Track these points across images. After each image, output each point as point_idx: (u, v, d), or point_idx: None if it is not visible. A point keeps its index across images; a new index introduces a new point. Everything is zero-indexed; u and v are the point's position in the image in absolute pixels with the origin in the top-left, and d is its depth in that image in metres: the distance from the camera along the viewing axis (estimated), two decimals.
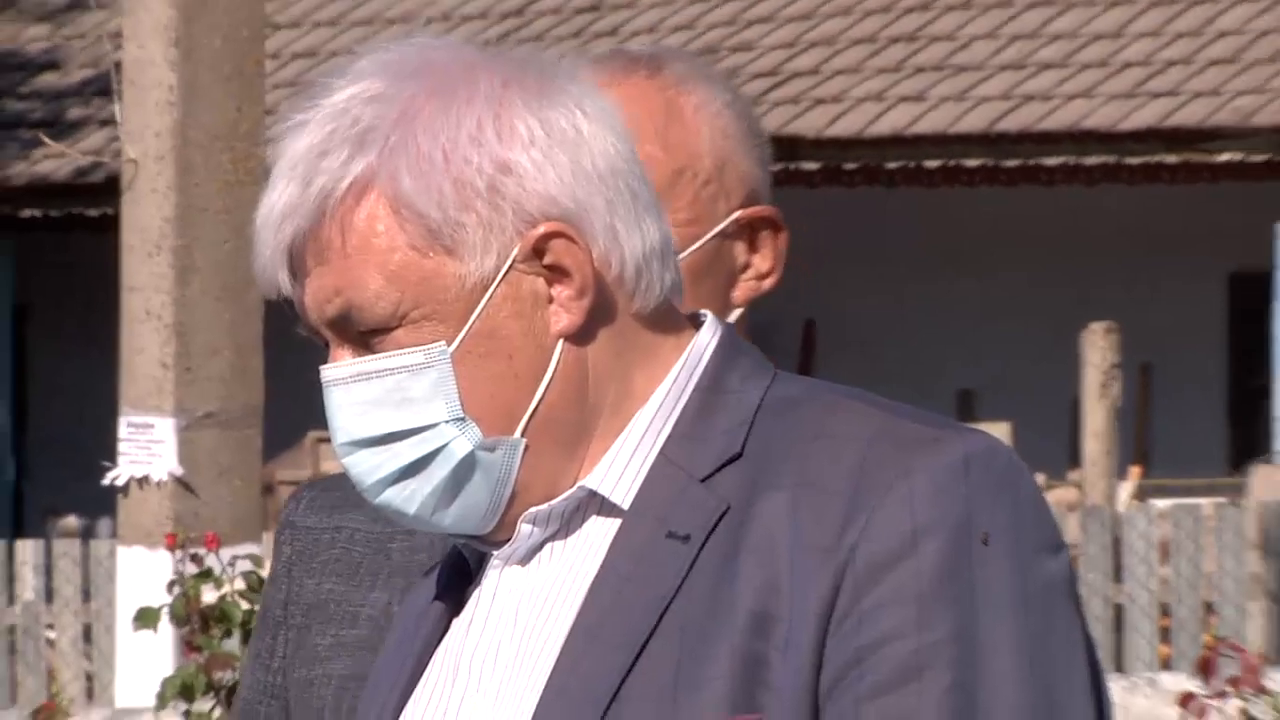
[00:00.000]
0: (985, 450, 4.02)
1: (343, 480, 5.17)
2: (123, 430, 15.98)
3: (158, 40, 15.70)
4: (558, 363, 4.05)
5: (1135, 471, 25.44)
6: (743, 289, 5.27)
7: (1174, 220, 28.40)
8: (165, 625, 15.85)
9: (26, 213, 28.35)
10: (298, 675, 5.11)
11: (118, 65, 14.97)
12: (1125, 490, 24.53)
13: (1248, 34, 28.29)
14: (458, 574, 4.23)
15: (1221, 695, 9.81)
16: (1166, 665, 21.26)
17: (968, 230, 29.00)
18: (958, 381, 26.88)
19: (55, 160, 26.41)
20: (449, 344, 4.03)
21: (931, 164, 28.29)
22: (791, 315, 28.15)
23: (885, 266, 29.30)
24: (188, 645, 15.85)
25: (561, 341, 4.05)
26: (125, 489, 15.58)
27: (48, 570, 23.40)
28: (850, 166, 28.14)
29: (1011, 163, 27.93)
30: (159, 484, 15.07)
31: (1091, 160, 27.97)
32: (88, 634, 25.56)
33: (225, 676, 15.04)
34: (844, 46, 29.99)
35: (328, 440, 4.60)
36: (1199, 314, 29.33)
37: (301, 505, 5.37)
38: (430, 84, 4.06)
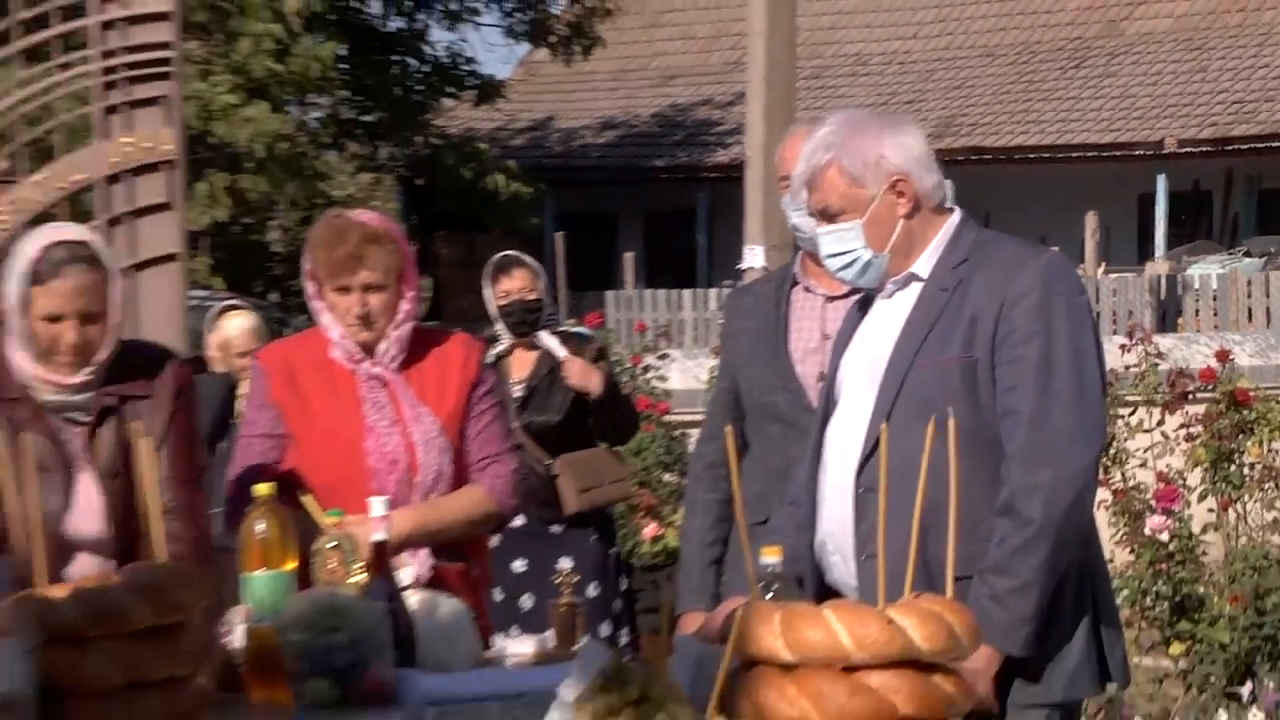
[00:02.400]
0: (1057, 256, 3.92)
1: (741, 287, 5.14)
2: (745, 249, 15.78)
3: (758, 114, 15.59)
4: (900, 226, 3.92)
5: None
6: None
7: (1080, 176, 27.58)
8: None
9: (711, 174, 28.02)
10: (730, 358, 4.81)
11: (742, 125, 14.90)
12: None
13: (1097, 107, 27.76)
14: (865, 301, 4.05)
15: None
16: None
17: (994, 189, 27.98)
18: None
19: (726, 154, 26.07)
20: (861, 220, 3.91)
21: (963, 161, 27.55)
22: None
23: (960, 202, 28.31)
24: None
25: (901, 219, 3.92)
26: (746, 272, 15.33)
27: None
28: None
29: (989, 159, 27.23)
30: (758, 268, 14.89)
31: (1029, 157, 27.25)
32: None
33: None
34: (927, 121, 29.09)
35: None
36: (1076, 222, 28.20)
37: (729, 295, 5.08)
38: (853, 126, 3.94)
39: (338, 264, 4.44)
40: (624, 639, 7.21)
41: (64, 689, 3.40)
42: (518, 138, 30.33)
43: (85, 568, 4.10)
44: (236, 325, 7.72)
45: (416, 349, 4.50)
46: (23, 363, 4.14)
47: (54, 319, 4.09)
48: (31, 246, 4.14)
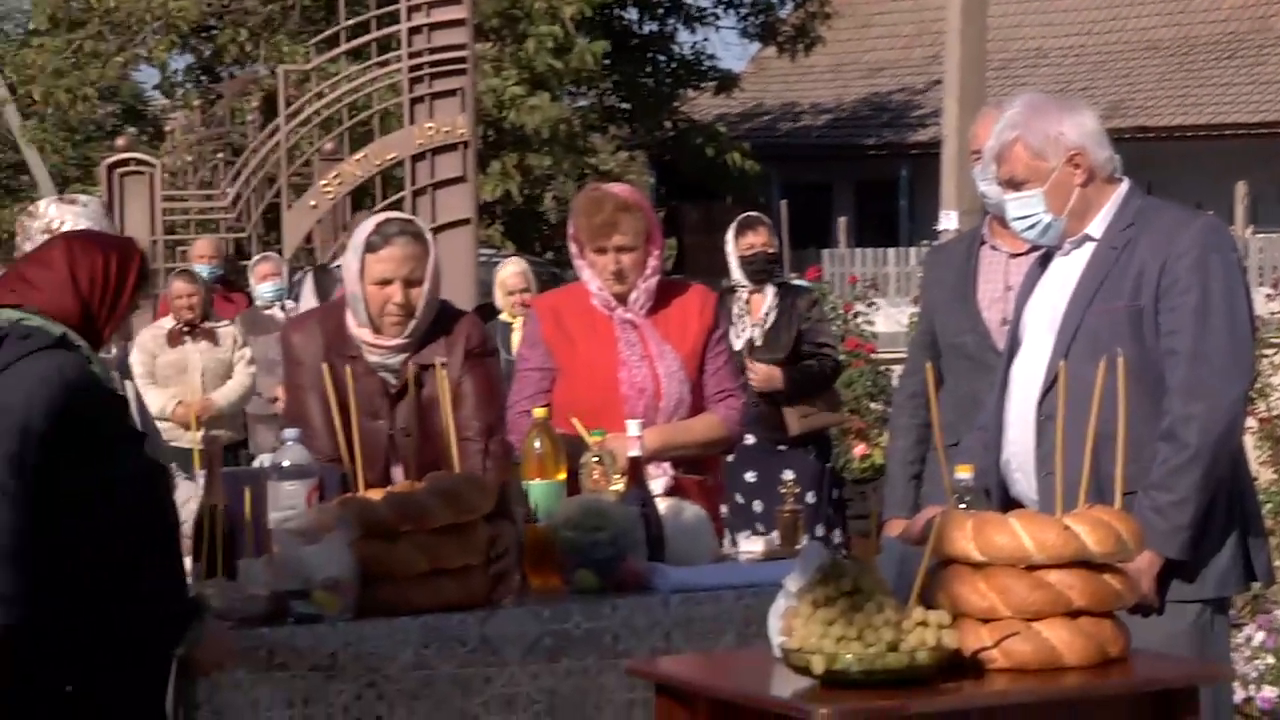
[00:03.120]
0: (1213, 219, 3.82)
1: (938, 245, 5.02)
2: (941, 213, 15.22)
3: (953, 99, 15.06)
4: (1076, 194, 3.76)
5: None
6: None
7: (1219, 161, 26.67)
8: None
9: (912, 151, 27.63)
10: (928, 305, 4.59)
11: (939, 109, 14.42)
12: None
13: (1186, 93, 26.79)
14: (1045, 258, 3.88)
15: None
16: None
17: (1156, 163, 27.05)
18: None
19: (925, 134, 25.71)
20: (1042, 188, 3.75)
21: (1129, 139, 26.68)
22: None
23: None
24: None
25: (1077, 188, 3.75)
26: (941, 233, 14.71)
27: None
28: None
29: (1152, 137, 26.35)
30: (952, 230, 14.27)
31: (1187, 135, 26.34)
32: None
33: None
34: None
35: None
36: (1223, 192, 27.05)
37: (927, 253, 4.91)
38: (1035, 108, 3.79)
39: (595, 229, 4.45)
40: (838, 540, 7.21)
41: (377, 574, 3.48)
42: (750, 121, 30.23)
43: None
44: (508, 270, 8.28)
45: (662, 298, 4.51)
46: (355, 328, 4.18)
47: (384, 283, 4.12)
48: (368, 224, 4.20)
